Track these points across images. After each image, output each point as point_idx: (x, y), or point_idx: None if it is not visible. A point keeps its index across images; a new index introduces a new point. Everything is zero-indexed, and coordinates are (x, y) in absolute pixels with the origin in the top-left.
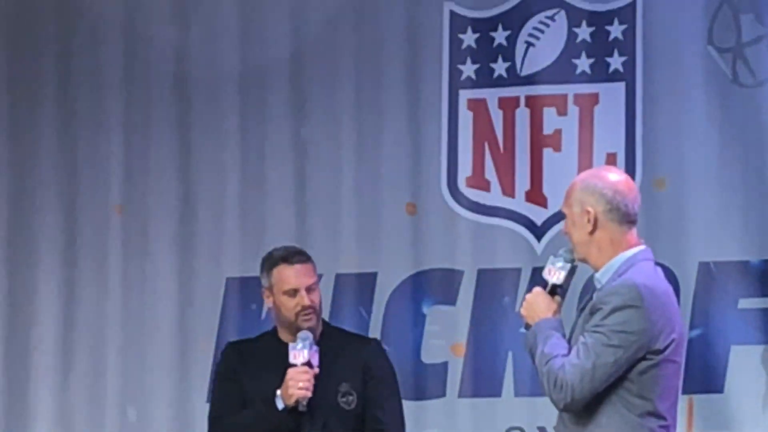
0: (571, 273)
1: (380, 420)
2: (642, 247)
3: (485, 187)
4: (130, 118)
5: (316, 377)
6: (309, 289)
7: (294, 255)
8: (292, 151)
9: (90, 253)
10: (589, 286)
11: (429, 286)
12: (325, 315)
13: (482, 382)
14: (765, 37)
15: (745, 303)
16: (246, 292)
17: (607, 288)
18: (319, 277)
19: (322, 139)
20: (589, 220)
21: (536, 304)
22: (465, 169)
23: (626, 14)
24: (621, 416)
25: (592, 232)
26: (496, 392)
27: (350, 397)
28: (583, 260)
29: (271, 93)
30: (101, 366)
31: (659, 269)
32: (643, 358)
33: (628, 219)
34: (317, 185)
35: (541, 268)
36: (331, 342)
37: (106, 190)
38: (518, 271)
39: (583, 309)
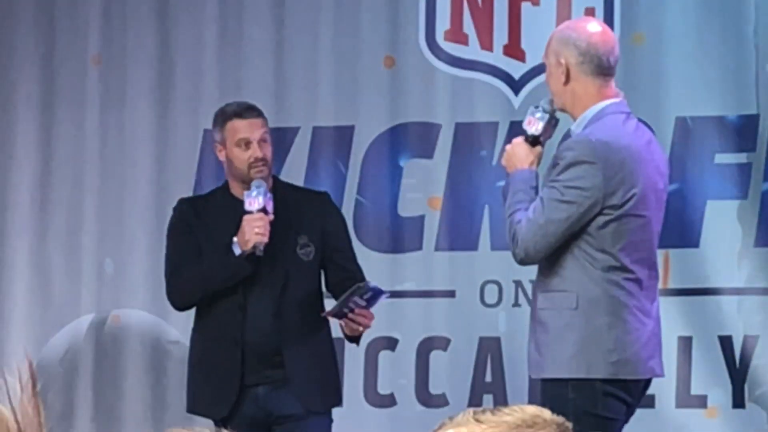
0: (551, 123)
1: (347, 268)
2: (616, 99)
3: (463, 40)
4: None
5: (275, 229)
6: (261, 142)
7: (246, 109)
8: (271, 3)
9: (67, 104)
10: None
11: (406, 140)
12: (302, 169)
13: (459, 235)
14: None
15: (721, 158)
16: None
17: (565, 142)
18: (297, 129)
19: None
20: (562, 71)
21: (514, 155)
22: (443, 22)
23: None
24: (583, 270)
25: (566, 83)
26: (472, 246)
27: (308, 249)
28: (563, 110)
29: None
30: (78, 218)
31: (633, 122)
32: (600, 213)
33: (602, 71)
34: (295, 38)
35: (519, 122)
36: (285, 196)
37: (84, 40)
38: (495, 124)
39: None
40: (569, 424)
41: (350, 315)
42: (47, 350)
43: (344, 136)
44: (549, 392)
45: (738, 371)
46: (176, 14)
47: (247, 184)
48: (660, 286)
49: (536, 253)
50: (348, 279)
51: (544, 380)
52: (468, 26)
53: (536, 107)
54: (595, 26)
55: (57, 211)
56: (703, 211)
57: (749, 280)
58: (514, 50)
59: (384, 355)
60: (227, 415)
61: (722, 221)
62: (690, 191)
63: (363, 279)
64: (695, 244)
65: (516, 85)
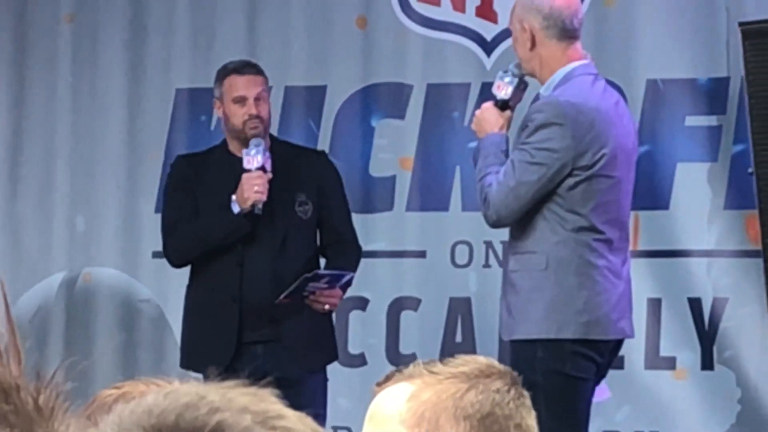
0: (520, 87)
1: (338, 229)
2: (584, 61)
3: (436, 2)
4: None
5: (273, 186)
6: (257, 99)
7: (245, 66)
8: None
9: (39, 62)
10: None
11: (378, 100)
12: (275, 127)
13: (430, 196)
14: None
15: (691, 120)
16: (195, 103)
17: (534, 105)
18: (270, 89)
19: None
20: (528, 37)
21: (484, 120)
22: None
23: None
24: (553, 231)
25: (532, 48)
26: (443, 206)
27: (306, 207)
28: (531, 74)
29: None
30: (50, 175)
31: (601, 83)
32: (570, 175)
33: (567, 34)
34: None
35: (491, 84)
36: (283, 154)
37: None
38: (467, 86)
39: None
40: (518, 376)
41: (311, 297)
42: (18, 309)
43: (316, 95)
44: (519, 353)
45: (707, 333)
46: None
47: (243, 141)
48: (630, 248)
49: (508, 215)
50: (337, 242)
51: (514, 341)
52: None
53: (505, 72)
54: None
55: (28, 168)
56: (674, 174)
57: (719, 243)
58: (486, 12)
59: (354, 315)
60: (223, 371)
61: (692, 183)
62: (660, 153)
63: (353, 240)
64: (665, 206)
65: (488, 47)
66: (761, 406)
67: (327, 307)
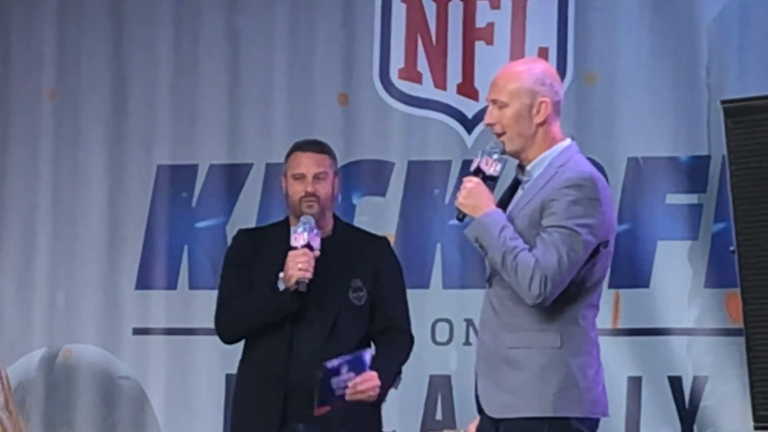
0: (504, 165)
1: (392, 317)
2: (570, 140)
3: (417, 79)
4: (64, 3)
5: (329, 269)
6: (316, 178)
7: (309, 144)
8: (226, 40)
9: (21, 137)
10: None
11: (359, 177)
12: (255, 205)
13: (410, 273)
14: None
15: (672, 198)
16: (177, 179)
17: (564, 180)
18: (250, 165)
19: (255, 27)
20: (540, 111)
21: (479, 195)
22: (397, 60)
23: None
24: (566, 309)
25: (542, 124)
26: (424, 284)
27: (361, 293)
28: (515, 153)
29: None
30: (30, 251)
31: None
32: (596, 251)
33: (559, 111)
34: (250, 74)
35: (471, 161)
36: (343, 237)
37: (39, 75)
38: (449, 163)
39: (506, 200)
40: None
41: (349, 392)
42: None
43: None
44: (522, 429)
45: (687, 411)
46: (130, 48)
47: (299, 218)
48: (610, 326)
49: (557, 290)
50: (389, 330)
51: (515, 419)
52: (422, 65)
53: (492, 148)
54: (548, 65)
55: (9, 243)
56: (654, 252)
57: (699, 321)
58: (467, 89)
59: None
60: None
61: (673, 262)
62: (641, 231)
63: (405, 330)
64: (646, 284)
65: (469, 124)
66: None
67: (370, 394)
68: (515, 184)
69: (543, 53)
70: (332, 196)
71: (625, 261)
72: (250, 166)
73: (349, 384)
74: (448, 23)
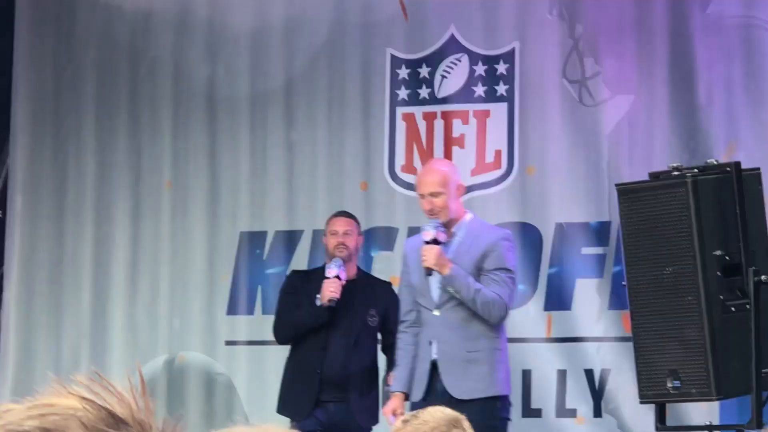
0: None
1: (394, 333)
2: (471, 214)
3: (414, 172)
4: (177, 127)
5: (354, 301)
6: (345, 234)
7: (341, 213)
8: (285, 149)
9: (149, 215)
10: None
11: (375, 238)
12: (306, 255)
13: None
14: (599, 73)
15: (586, 250)
16: (253, 241)
17: (493, 238)
18: (302, 232)
19: (305, 140)
20: (459, 193)
21: (441, 256)
22: (400, 159)
23: (508, 57)
24: (500, 326)
25: (455, 200)
26: None
27: (374, 319)
28: (445, 223)
29: (271, 109)
30: (157, 291)
31: None
32: None
33: (462, 193)
34: (301, 172)
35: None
36: (364, 281)
37: (161, 170)
38: None
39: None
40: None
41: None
42: (135, 380)
43: None
44: (484, 405)
45: (597, 392)
46: (221, 153)
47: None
48: (545, 336)
49: (505, 315)
50: (393, 344)
51: (478, 399)
52: (417, 162)
53: (436, 223)
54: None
55: (142, 283)
56: (574, 286)
57: (604, 332)
58: None
59: None
60: (305, 418)
61: (587, 292)
62: (565, 272)
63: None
64: (569, 308)
65: None
66: None
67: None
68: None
69: (498, 153)
70: (356, 248)
71: (555, 293)
72: (302, 231)
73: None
74: (434, 134)
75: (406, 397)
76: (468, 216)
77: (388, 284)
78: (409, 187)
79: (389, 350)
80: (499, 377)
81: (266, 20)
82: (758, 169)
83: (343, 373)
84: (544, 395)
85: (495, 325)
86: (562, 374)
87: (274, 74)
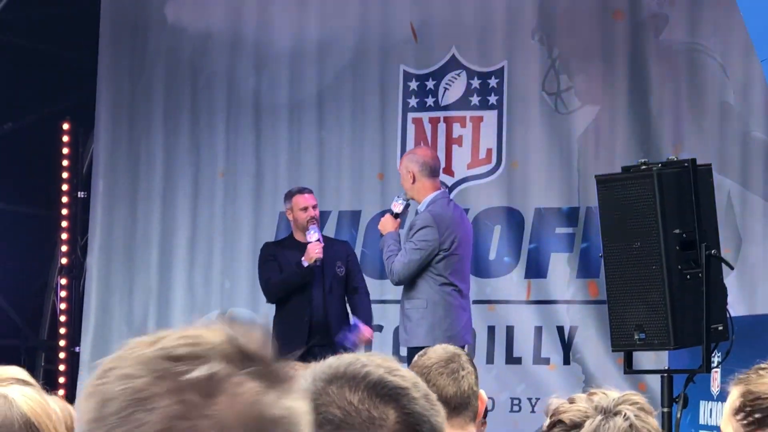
0: (406, 206)
1: (358, 286)
2: (441, 190)
3: None
4: (229, 128)
5: (325, 257)
6: (314, 207)
7: (304, 189)
8: (316, 146)
9: (205, 198)
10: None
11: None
12: (332, 232)
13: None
14: (571, 87)
15: (559, 230)
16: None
17: (416, 217)
18: (329, 212)
19: (333, 139)
20: (410, 177)
21: (386, 223)
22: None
23: (498, 73)
24: (429, 285)
25: (413, 183)
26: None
27: (341, 269)
28: (412, 198)
29: (305, 113)
30: (210, 258)
31: (452, 203)
32: (437, 254)
33: (433, 174)
34: (329, 164)
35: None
36: (329, 242)
37: (215, 160)
38: None
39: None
40: None
41: (360, 342)
42: None
43: (355, 216)
44: (411, 355)
45: (566, 345)
46: (264, 149)
47: (303, 231)
48: (525, 299)
49: (404, 279)
50: (356, 289)
51: (410, 348)
52: None
53: (398, 197)
54: (423, 150)
55: (199, 253)
56: (549, 259)
57: (573, 296)
58: (448, 170)
59: None
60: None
61: (559, 265)
62: (542, 248)
63: (363, 288)
64: (545, 276)
65: (451, 186)
66: (597, 386)
67: (370, 338)
68: None
69: (489, 151)
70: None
71: (534, 264)
72: (330, 212)
73: (357, 340)
74: (438, 135)
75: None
76: (431, 195)
77: (345, 242)
78: None
79: (360, 302)
80: (419, 331)
81: (302, 42)
82: (710, 164)
83: (324, 318)
84: (524, 347)
85: (396, 285)
86: (539, 330)
87: (308, 85)
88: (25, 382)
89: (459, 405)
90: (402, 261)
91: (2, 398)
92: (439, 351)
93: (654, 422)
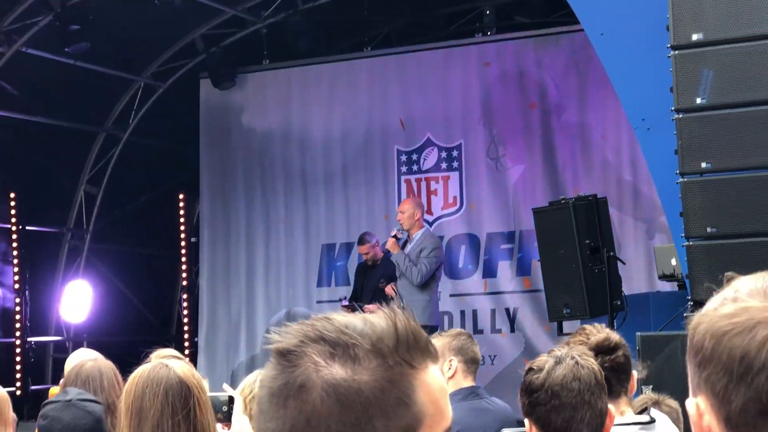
0: (405, 235)
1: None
2: (426, 227)
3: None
4: (286, 191)
5: (375, 273)
6: (373, 246)
7: (366, 234)
8: (342, 201)
9: (273, 237)
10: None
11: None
12: (354, 258)
13: None
14: (505, 154)
15: (503, 246)
16: (329, 248)
17: (426, 240)
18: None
19: (353, 196)
20: (415, 215)
21: (392, 244)
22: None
23: (458, 147)
24: (429, 288)
25: (416, 219)
26: None
27: (383, 284)
28: (408, 230)
29: (334, 180)
30: (277, 278)
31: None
32: (437, 268)
33: (422, 215)
34: (352, 211)
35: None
36: (383, 262)
37: (279, 213)
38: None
39: (403, 247)
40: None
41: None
42: (270, 323)
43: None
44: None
45: (512, 320)
46: (310, 204)
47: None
48: (483, 291)
49: (426, 280)
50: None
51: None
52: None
53: (397, 228)
54: (419, 201)
55: (271, 274)
56: (497, 265)
57: (514, 288)
58: (428, 213)
59: None
60: None
61: (504, 267)
62: (493, 259)
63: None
64: (495, 276)
65: (430, 222)
66: (534, 351)
67: None
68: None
69: (455, 198)
70: (379, 251)
71: (488, 268)
72: (352, 243)
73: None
74: (421, 189)
75: None
76: (424, 228)
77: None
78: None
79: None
80: (424, 316)
81: (330, 132)
82: (606, 197)
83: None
84: (484, 322)
85: (417, 286)
86: (493, 311)
87: (336, 161)
88: (178, 357)
89: None
90: (423, 270)
91: (165, 367)
92: (452, 331)
93: (594, 361)
